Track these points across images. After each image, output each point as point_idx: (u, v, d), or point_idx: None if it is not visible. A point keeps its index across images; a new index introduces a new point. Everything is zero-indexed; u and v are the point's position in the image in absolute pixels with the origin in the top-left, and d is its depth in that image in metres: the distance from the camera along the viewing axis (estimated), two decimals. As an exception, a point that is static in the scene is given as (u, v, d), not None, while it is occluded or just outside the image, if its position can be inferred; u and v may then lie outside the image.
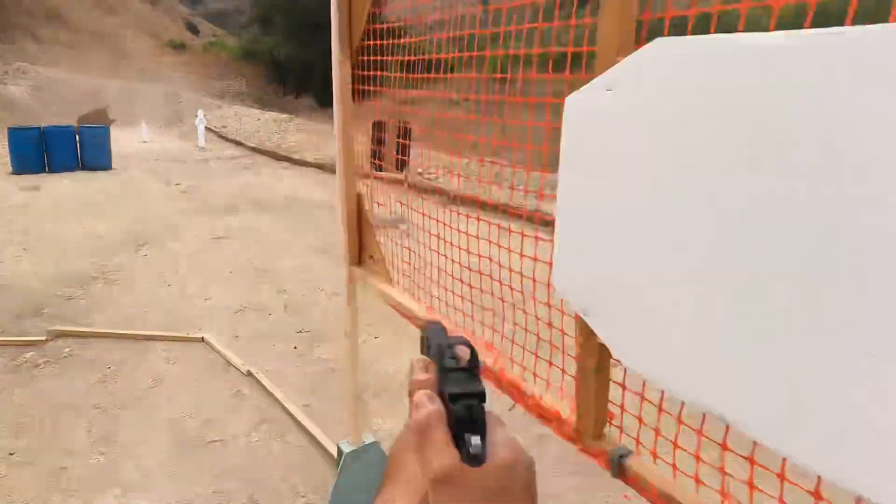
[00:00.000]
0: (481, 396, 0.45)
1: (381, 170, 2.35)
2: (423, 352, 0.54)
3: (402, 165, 2.57)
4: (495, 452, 0.44)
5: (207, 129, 19.87)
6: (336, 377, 3.69)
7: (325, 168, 12.28)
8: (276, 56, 28.40)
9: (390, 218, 2.29)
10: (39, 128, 11.34)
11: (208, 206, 9.00)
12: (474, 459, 0.42)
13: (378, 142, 2.55)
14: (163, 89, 25.26)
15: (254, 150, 15.79)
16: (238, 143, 17.20)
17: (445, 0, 1.51)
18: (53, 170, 11.45)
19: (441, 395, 0.46)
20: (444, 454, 0.43)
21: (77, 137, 11.76)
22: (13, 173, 11.02)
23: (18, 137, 11.01)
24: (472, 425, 0.44)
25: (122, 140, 16.94)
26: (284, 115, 19.71)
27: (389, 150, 2.51)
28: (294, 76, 28.96)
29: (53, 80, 22.26)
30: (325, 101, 29.20)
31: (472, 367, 0.48)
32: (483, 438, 0.44)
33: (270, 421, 3.26)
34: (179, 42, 31.06)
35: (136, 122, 21.77)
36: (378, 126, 2.60)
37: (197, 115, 17.50)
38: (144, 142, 18.16)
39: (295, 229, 7.62)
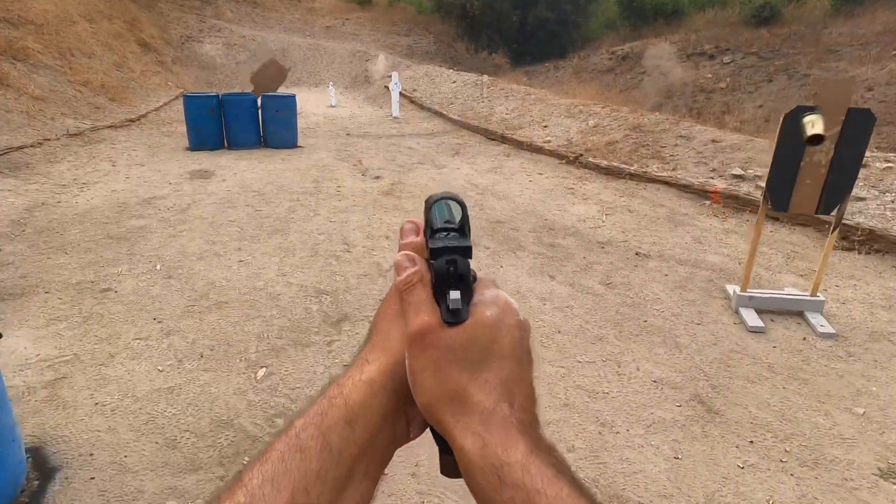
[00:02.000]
0: (465, 252, 0.42)
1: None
2: (424, 215, 0.46)
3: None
4: (479, 310, 0.41)
5: (399, 93, 17.20)
6: None
7: (580, 163, 8.49)
8: (468, 9, 24.95)
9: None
10: (217, 95, 9.00)
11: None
12: (453, 315, 0.40)
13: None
14: (349, 47, 23.27)
15: (457, 123, 12.50)
16: (437, 113, 14.06)
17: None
18: (233, 145, 9.16)
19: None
20: (422, 311, 0.40)
21: (259, 108, 9.28)
22: (190, 149, 8.88)
23: (195, 107, 8.77)
24: (455, 281, 0.41)
25: (308, 103, 14.75)
26: (485, 78, 16.22)
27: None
28: (487, 32, 25.36)
29: (244, 38, 21.08)
30: (519, 59, 25.30)
31: (461, 224, 0.44)
32: (465, 294, 0.41)
33: None
34: (366, -4, 29.00)
35: (323, 83, 19.88)
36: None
37: (391, 79, 14.68)
38: (332, 106, 15.93)
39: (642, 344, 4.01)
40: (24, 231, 5.09)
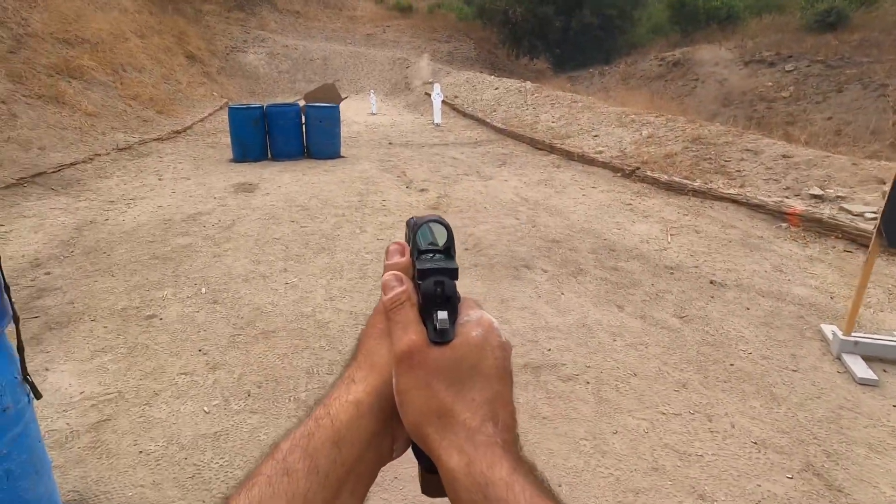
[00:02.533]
0: (452, 273, 0.43)
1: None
2: (406, 239, 0.49)
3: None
4: (466, 331, 0.42)
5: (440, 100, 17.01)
6: None
7: (637, 177, 8.07)
8: (510, 15, 24.60)
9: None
10: (262, 107, 8.93)
11: (472, 242, 5.46)
12: (441, 335, 0.41)
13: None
14: (389, 54, 23.27)
15: (501, 131, 12.17)
16: (480, 121, 13.76)
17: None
18: (276, 156, 9.07)
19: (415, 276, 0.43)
20: (409, 330, 0.41)
21: (303, 119, 9.17)
22: (234, 160, 8.83)
23: (240, 118, 8.70)
24: (441, 302, 0.42)
25: (350, 111, 14.68)
26: (528, 84, 15.85)
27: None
28: (529, 37, 24.95)
29: (287, 47, 21.27)
30: (562, 64, 24.80)
31: (446, 246, 0.45)
32: (452, 315, 0.42)
33: None
34: (406, 4, 28.96)
35: (364, 91, 19.89)
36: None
37: (433, 89, 14.48)
38: (373, 114, 15.86)
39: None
40: (72, 252, 5.02)
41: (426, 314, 0.42)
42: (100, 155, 8.10)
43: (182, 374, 3.33)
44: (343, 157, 9.50)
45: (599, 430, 2.84)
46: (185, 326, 3.84)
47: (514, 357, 2.34)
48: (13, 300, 1.82)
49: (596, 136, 10.15)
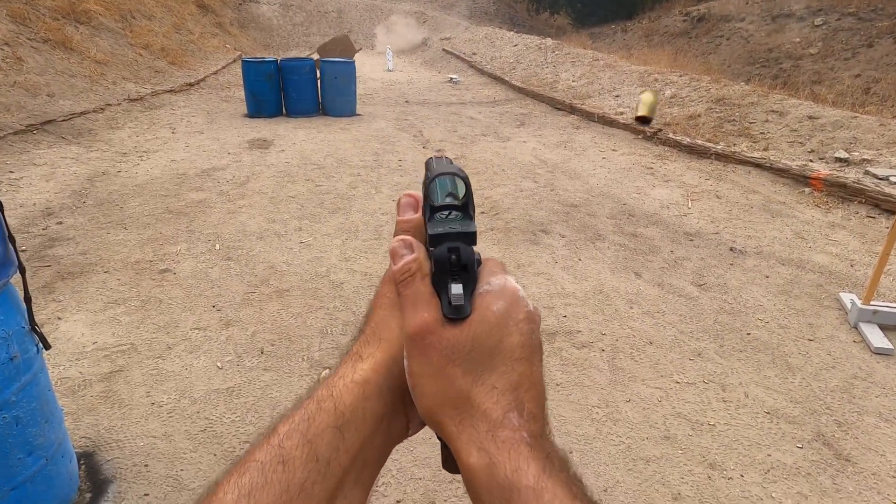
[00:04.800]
0: (468, 238, 0.37)
1: None
2: (423, 187, 0.41)
3: None
4: (485, 304, 0.36)
5: (457, 56, 16.61)
6: None
7: (658, 140, 7.86)
8: (530, -34, 23.73)
9: None
10: (275, 61, 8.72)
11: (489, 205, 5.37)
12: (455, 311, 0.36)
13: None
14: (406, 8, 22.62)
15: (520, 90, 11.86)
16: (498, 79, 13.42)
17: None
18: (291, 113, 8.93)
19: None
20: (420, 307, 0.36)
21: (318, 75, 8.97)
22: (248, 115, 8.72)
23: (253, 73, 8.53)
24: (457, 271, 0.36)
25: (365, 67, 14.38)
26: (549, 41, 15.37)
27: None
28: (549, -9, 24.10)
29: (302, -2, 20.74)
30: (583, 20, 23.99)
31: (464, 203, 0.39)
32: (469, 286, 0.36)
33: None
34: (424, -46, 27.92)
35: (380, 45, 19.44)
36: None
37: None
38: (389, 70, 15.52)
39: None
40: (84, 203, 5.00)
41: (440, 285, 0.37)
42: (111, 105, 8.01)
43: (195, 329, 3.34)
44: (359, 114, 9.34)
45: (612, 398, 2.81)
46: (198, 282, 3.84)
47: None
48: (21, 249, 1.79)
49: (617, 96, 9.85)
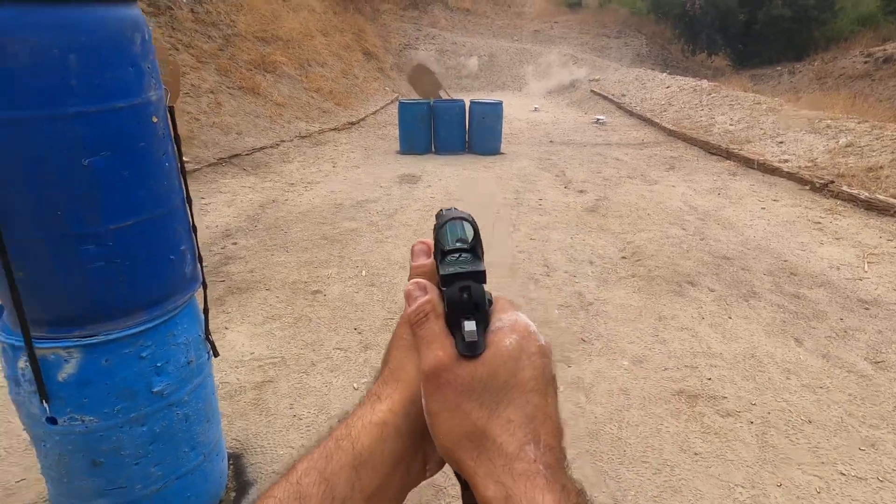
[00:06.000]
0: (479, 276, 0.39)
1: None
2: (434, 234, 0.44)
3: None
4: (498, 339, 0.37)
5: (606, 97, 16.41)
6: None
7: (830, 192, 7.09)
8: (688, 8, 22.84)
9: None
10: (428, 102, 9.30)
11: (631, 250, 5.14)
12: (469, 348, 0.37)
13: None
14: (556, 51, 22.89)
15: (671, 133, 11.37)
16: (647, 121, 13.00)
17: None
18: (439, 150, 9.41)
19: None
20: (434, 346, 0.37)
21: (467, 115, 9.39)
22: (400, 152, 9.33)
23: (408, 113, 9.18)
24: (469, 310, 0.38)
25: (512, 107, 14.72)
26: (705, 83, 14.60)
27: None
28: (708, 32, 22.98)
29: (455, 44, 21.90)
30: (743, 61, 22.50)
31: (473, 246, 0.42)
32: (481, 323, 0.38)
33: None
34: (576, 0, 28.20)
35: (528, 87, 19.84)
36: None
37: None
38: (535, 109, 15.75)
39: None
40: (256, 227, 5.66)
41: (453, 324, 0.38)
42: (284, 141, 9.03)
43: (337, 349, 3.59)
44: (503, 153, 9.56)
45: (760, 479, 2.52)
46: (344, 304, 4.13)
47: (666, 380, 2.17)
48: (204, 267, 2.08)
49: (781, 142, 9.04)
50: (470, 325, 0.37)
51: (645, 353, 3.56)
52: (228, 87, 9.49)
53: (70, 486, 1.87)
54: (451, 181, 7.64)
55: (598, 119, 13.61)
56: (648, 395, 3.12)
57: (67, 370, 1.74)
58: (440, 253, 0.41)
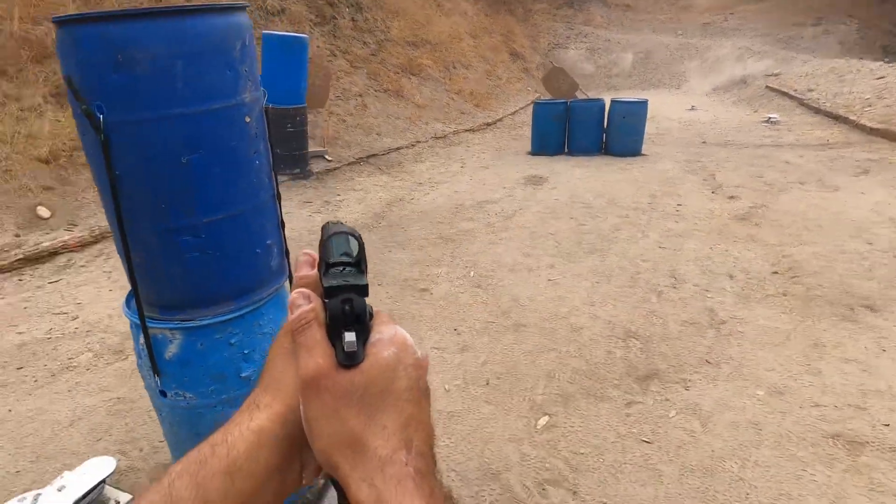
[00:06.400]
0: (361, 290, 0.40)
1: None
2: (319, 248, 0.46)
3: None
4: (377, 350, 0.39)
5: (784, 93, 14.58)
6: None
7: None
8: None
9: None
10: (565, 102, 8.96)
11: (786, 265, 4.45)
12: (349, 357, 0.38)
13: None
14: (728, 44, 20.88)
15: (872, 132, 9.72)
16: (837, 118, 11.28)
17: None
18: (573, 151, 9.04)
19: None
20: (315, 352, 0.39)
21: (606, 115, 8.91)
22: (531, 153, 9.15)
23: (543, 113, 8.95)
24: (350, 322, 0.39)
25: (665, 106, 13.75)
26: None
27: None
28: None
29: (609, 42, 21.02)
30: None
31: (357, 261, 0.43)
32: (361, 335, 0.39)
33: None
34: (757, -13, 25.42)
35: (687, 84, 18.43)
36: None
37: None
38: (692, 108, 14.53)
39: None
40: (380, 223, 5.86)
41: (334, 335, 0.39)
42: (420, 142, 9.30)
43: (435, 348, 3.55)
44: (643, 154, 8.92)
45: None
46: (448, 304, 4.10)
47: (817, 419, 1.79)
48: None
49: None
50: (350, 336, 0.38)
51: (789, 383, 3.03)
52: (375, 91, 10.01)
53: (182, 452, 2.06)
54: (578, 183, 7.28)
55: (770, 118, 12.13)
56: (788, 433, 2.64)
57: (172, 350, 1.90)
58: (325, 265, 0.42)
